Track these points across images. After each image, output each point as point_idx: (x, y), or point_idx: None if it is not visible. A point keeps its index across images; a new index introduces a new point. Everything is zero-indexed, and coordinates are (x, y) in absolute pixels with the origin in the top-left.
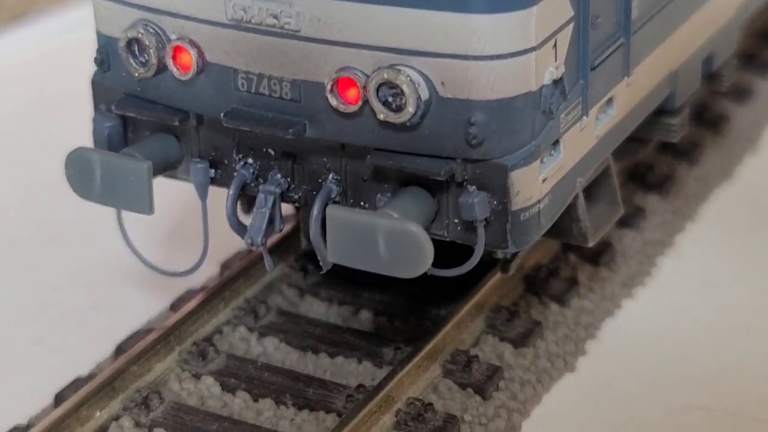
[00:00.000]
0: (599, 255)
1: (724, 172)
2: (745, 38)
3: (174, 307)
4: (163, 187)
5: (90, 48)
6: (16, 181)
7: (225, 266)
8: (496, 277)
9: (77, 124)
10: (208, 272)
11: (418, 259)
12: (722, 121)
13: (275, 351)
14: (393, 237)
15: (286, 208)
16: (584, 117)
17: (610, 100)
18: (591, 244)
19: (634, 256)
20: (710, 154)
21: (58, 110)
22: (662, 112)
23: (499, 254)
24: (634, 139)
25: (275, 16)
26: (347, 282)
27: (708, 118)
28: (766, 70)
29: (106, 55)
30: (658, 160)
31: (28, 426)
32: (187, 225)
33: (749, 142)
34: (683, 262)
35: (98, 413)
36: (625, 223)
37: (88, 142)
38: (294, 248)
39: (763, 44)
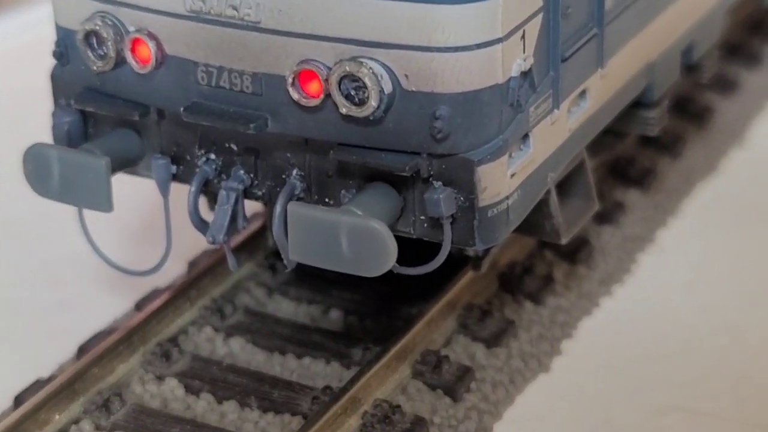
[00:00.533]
0: (576, 252)
1: (708, 166)
2: (731, 27)
3: (139, 306)
4: (131, 182)
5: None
6: None
7: (192, 264)
8: (469, 275)
9: (40, 119)
10: (175, 270)
11: (382, 257)
12: (707, 114)
13: (241, 352)
14: (355, 235)
15: (256, 205)
16: (555, 110)
17: (583, 93)
18: (564, 241)
19: (613, 252)
20: (694, 148)
21: (21, 105)
22: (640, 104)
23: (471, 251)
24: (612, 132)
25: (235, 8)
26: (317, 280)
27: (692, 111)
28: (752, 61)
29: (65, 48)
30: (639, 154)
31: (39, 382)
32: (155, 222)
33: (734, 136)
34: (664, 259)
35: (57, 416)
36: (604, 218)
37: (49, 137)
38: (262, 246)
39: (750, 33)
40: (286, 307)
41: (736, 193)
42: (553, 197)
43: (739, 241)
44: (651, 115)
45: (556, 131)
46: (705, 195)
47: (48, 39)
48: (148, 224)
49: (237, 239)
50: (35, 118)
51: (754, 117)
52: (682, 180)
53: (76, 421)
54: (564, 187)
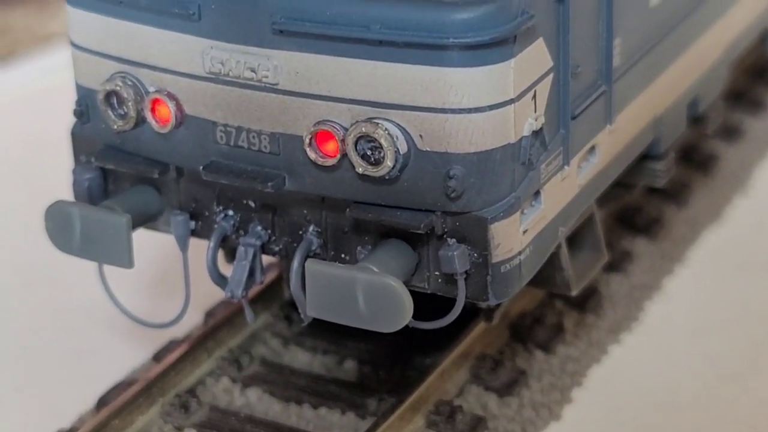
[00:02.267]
0: (585, 301)
1: (714, 213)
2: (734, 75)
3: (157, 357)
4: (150, 235)
5: (71, 91)
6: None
7: (209, 314)
8: (481, 326)
9: (59, 167)
10: (192, 321)
11: (398, 313)
12: (711, 162)
13: (258, 402)
14: (372, 291)
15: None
16: (566, 166)
17: (592, 149)
18: (575, 293)
19: (621, 301)
20: (699, 196)
21: (40, 153)
22: (647, 156)
23: (482, 304)
24: (620, 184)
25: (253, 70)
26: (332, 331)
27: (697, 159)
28: (756, 108)
29: (85, 106)
30: (645, 203)
31: None
32: (173, 273)
33: (739, 183)
34: (671, 307)
35: None
36: (612, 267)
37: (68, 186)
38: (278, 296)
39: (753, 81)
40: (301, 358)
41: (741, 240)
42: (564, 251)
43: (745, 288)
44: (658, 167)
45: (566, 187)
46: (711, 242)
47: (63, 86)
48: (164, 275)
49: (253, 291)
50: (50, 165)
51: (757, 163)
52: (688, 228)
53: None
54: (574, 239)
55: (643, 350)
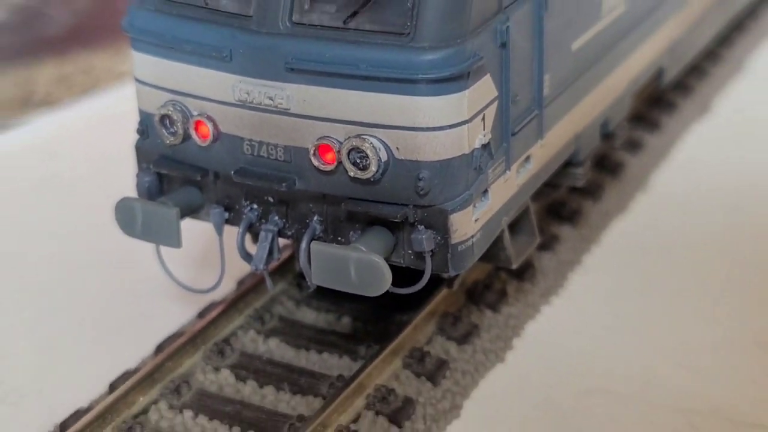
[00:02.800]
0: (523, 272)
1: (621, 207)
2: (636, 103)
3: (201, 315)
4: (194, 223)
5: (136, 115)
6: (83, 218)
7: (240, 283)
8: (445, 291)
9: (127, 173)
10: (227, 288)
11: (380, 282)
12: (618, 168)
13: (277, 349)
14: (361, 265)
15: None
16: (507, 171)
17: (527, 158)
18: (515, 266)
19: (550, 272)
20: (609, 193)
21: (115, 163)
22: (570, 163)
23: (444, 275)
24: (549, 184)
25: (271, 98)
26: (332, 295)
27: (607, 165)
28: (652, 128)
29: (146, 126)
30: (569, 198)
31: (89, 408)
32: (211, 252)
33: (640, 184)
34: (588, 277)
35: (141, 398)
36: (543, 247)
37: (133, 186)
38: (291, 269)
39: (650, 107)
40: (309, 315)
41: (642, 227)
42: (506, 234)
43: (645, 264)
44: (578, 171)
45: (508, 187)
46: (618, 228)
47: (131, 111)
48: (205, 254)
49: (272, 265)
50: (121, 171)
51: (653, 169)
52: (601, 218)
53: (155, 402)
54: (514, 226)
55: (567, 310)
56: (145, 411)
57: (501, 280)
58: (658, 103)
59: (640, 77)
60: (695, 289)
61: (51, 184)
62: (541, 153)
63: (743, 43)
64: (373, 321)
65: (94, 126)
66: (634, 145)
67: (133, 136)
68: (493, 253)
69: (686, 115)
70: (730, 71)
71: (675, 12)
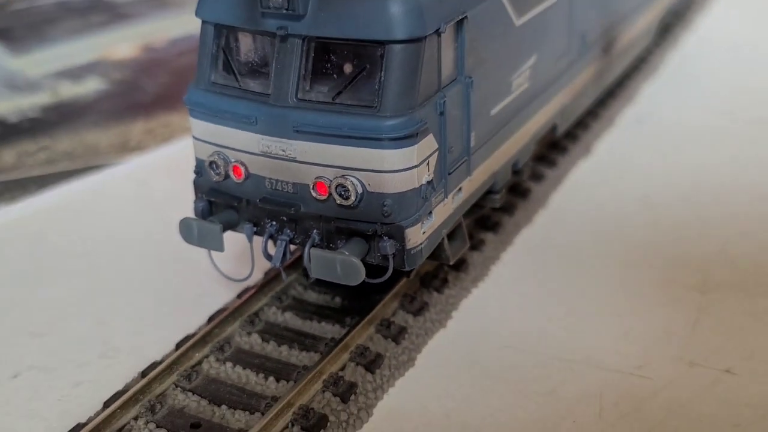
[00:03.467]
0: (459, 266)
1: (528, 219)
2: (538, 147)
3: (239, 296)
4: (233, 235)
5: (193, 159)
6: (163, 227)
7: (266, 274)
8: (405, 279)
9: (190, 199)
10: (256, 277)
11: (357, 275)
12: (527, 192)
13: (291, 319)
14: (345, 264)
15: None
16: (445, 199)
17: (459, 189)
18: (452, 263)
19: (478, 265)
20: (520, 210)
21: (184, 190)
22: (490, 191)
23: (403, 270)
24: (477, 205)
25: (283, 150)
26: (327, 284)
27: (519, 191)
28: (550, 165)
29: (200, 168)
30: (490, 214)
31: (162, 360)
32: (245, 253)
33: (541, 203)
34: (504, 269)
35: (197, 354)
36: (473, 248)
37: (191, 209)
38: (300, 266)
39: (548, 150)
40: (312, 296)
41: (543, 233)
42: (446, 241)
43: (545, 260)
44: (496, 197)
45: (446, 209)
46: (526, 234)
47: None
48: (241, 254)
49: (286, 263)
50: (187, 198)
51: (551, 193)
52: (514, 227)
53: (206, 357)
54: (451, 235)
55: (489, 292)
56: (199, 362)
57: (444, 272)
58: (555, 146)
59: (540, 131)
60: (578, 275)
61: (142, 203)
62: (470, 185)
63: (614, 104)
64: (356, 300)
65: (171, 165)
66: (537, 177)
67: (192, 175)
68: (437, 253)
69: (574, 154)
70: (604, 124)
71: (564, 87)
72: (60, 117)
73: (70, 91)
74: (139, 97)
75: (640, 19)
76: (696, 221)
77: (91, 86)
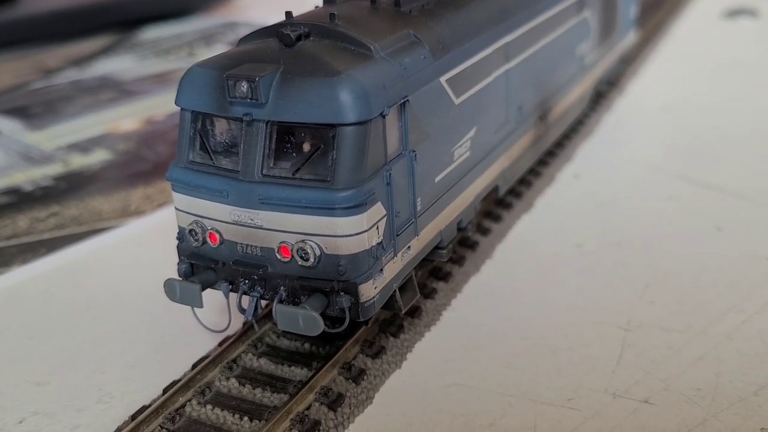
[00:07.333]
0: (412, 314)
1: (475, 268)
2: (481, 206)
3: (220, 344)
4: (211, 293)
5: (176, 227)
6: (154, 288)
7: (244, 324)
8: (364, 327)
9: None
10: (235, 328)
11: (316, 327)
12: (475, 245)
13: (266, 364)
14: (306, 318)
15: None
16: (395, 257)
17: (408, 248)
18: (403, 312)
19: (430, 312)
20: (468, 261)
21: (175, 254)
22: (437, 247)
23: (359, 320)
24: (426, 259)
25: (252, 219)
26: (294, 334)
27: (465, 244)
28: (497, 218)
29: (182, 235)
30: (441, 266)
31: (150, 404)
32: (222, 308)
33: (487, 254)
34: (454, 314)
35: (180, 398)
36: (426, 296)
37: (175, 273)
38: (269, 318)
39: (496, 205)
40: (286, 343)
41: (489, 280)
42: (397, 293)
43: (488, 304)
44: (443, 252)
45: (396, 266)
46: (474, 281)
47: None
48: (220, 309)
49: (258, 316)
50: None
51: (496, 245)
52: (462, 277)
53: (189, 400)
54: (403, 287)
55: (441, 336)
56: (183, 405)
57: (400, 318)
58: (500, 203)
59: (482, 193)
60: (518, 318)
61: (139, 263)
62: (417, 244)
63: (554, 163)
64: (322, 345)
65: (165, 227)
66: (484, 230)
67: (174, 241)
68: (390, 304)
69: (517, 209)
70: (545, 181)
71: (504, 153)
72: (69, 185)
73: (79, 161)
74: (140, 166)
75: (574, 88)
76: (622, 267)
77: (98, 157)
